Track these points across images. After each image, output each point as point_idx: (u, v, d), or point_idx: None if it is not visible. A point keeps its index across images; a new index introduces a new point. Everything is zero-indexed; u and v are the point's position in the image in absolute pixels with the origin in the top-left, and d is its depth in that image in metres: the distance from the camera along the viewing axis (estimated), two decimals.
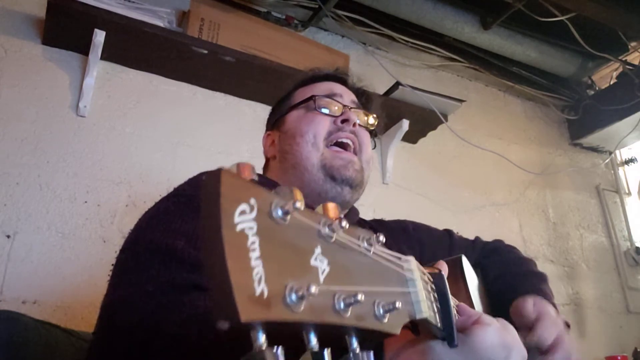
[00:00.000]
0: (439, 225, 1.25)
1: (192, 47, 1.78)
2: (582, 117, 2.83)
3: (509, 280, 1.04)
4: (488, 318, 0.58)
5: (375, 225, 1.12)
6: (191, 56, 1.81)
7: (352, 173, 1.00)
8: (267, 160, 1.14)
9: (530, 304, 0.90)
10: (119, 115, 1.79)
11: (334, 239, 0.38)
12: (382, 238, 0.44)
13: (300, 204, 0.35)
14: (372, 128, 1.11)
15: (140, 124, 1.81)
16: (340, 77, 1.14)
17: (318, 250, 0.36)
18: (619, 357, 2.31)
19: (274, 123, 1.14)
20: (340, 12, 2.23)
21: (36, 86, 1.69)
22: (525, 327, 0.89)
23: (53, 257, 1.53)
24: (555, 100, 2.86)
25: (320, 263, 0.36)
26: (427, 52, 2.50)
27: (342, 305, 0.36)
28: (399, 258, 0.48)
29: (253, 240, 0.31)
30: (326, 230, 0.38)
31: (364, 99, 1.14)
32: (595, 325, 2.47)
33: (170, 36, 1.75)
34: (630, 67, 2.62)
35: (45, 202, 1.58)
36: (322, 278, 0.35)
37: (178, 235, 0.72)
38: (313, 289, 0.32)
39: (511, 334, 0.59)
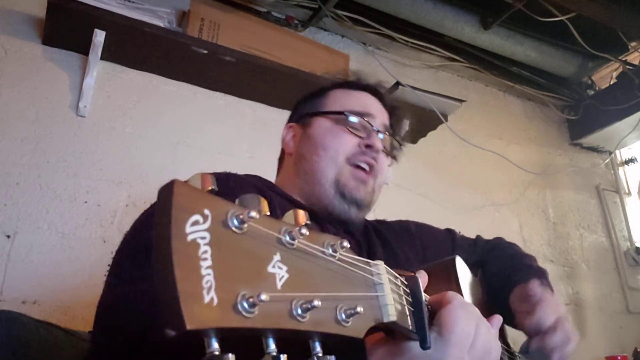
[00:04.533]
0: (439, 225, 1.25)
1: (192, 47, 1.78)
2: (582, 117, 2.83)
3: (508, 274, 1.04)
4: (450, 295, 0.58)
5: (378, 226, 1.12)
6: (191, 56, 1.81)
7: (363, 194, 1.00)
8: (284, 152, 1.12)
9: (534, 285, 0.90)
10: (119, 115, 1.79)
11: (294, 246, 0.38)
12: (345, 243, 0.44)
13: (254, 214, 0.35)
14: (393, 151, 1.10)
15: (140, 124, 1.81)
16: (377, 92, 1.12)
17: (277, 257, 0.36)
18: (619, 357, 2.30)
19: (299, 118, 1.11)
20: (340, 12, 2.23)
21: (36, 86, 1.69)
22: (526, 312, 0.89)
23: (53, 257, 1.53)
24: (555, 100, 2.86)
25: (278, 270, 0.36)
26: (427, 52, 2.50)
27: (299, 310, 0.36)
28: (367, 263, 0.48)
29: (205, 250, 0.31)
30: (286, 237, 0.38)
31: (394, 120, 1.12)
32: (595, 325, 2.47)
33: (170, 36, 1.75)
34: (630, 67, 2.62)
35: (45, 202, 1.58)
36: (279, 285, 0.36)
37: None
38: (264, 296, 0.32)
39: (473, 309, 0.60)
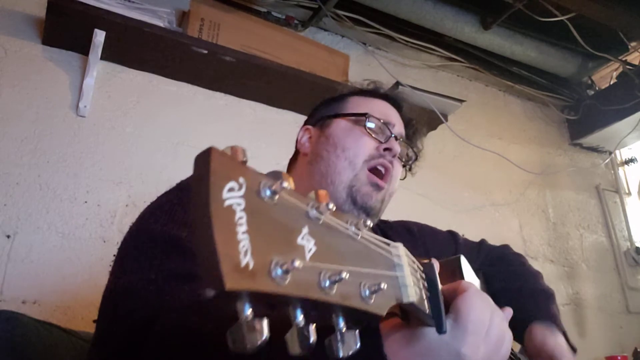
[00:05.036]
0: (440, 225, 1.25)
1: (192, 47, 1.78)
2: (582, 117, 2.83)
3: (517, 296, 1.03)
4: (465, 283, 0.59)
5: (381, 225, 1.13)
6: (191, 56, 1.81)
7: (374, 203, 0.99)
8: (297, 153, 1.12)
9: (547, 337, 0.93)
10: (119, 115, 1.79)
11: (321, 221, 0.39)
12: (369, 222, 0.44)
13: (287, 184, 0.36)
14: (408, 162, 1.11)
15: (140, 124, 1.81)
16: (396, 102, 1.13)
17: (305, 230, 0.37)
18: (619, 357, 2.31)
19: (317, 120, 1.11)
20: (340, 12, 2.23)
21: (36, 86, 1.69)
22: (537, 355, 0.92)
23: (53, 257, 1.53)
24: (555, 100, 2.86)
25: (307, 242, 0.37)
26: (427, 52, 2.50)
27: (327, 282, 0.36)
28: (388, 244, 0.48)
29: (240, 216, 0.32)
30: (314, 212, 0.38)
31: (411, 132, 1.13)
32: (595, 325, 2.47)
33: (170, 36, 1.75)
34: (630, 67, 2.62)
35: (45, 202, 1.58)
36: (308, 256, 0.36)
37: (181, 225, 0.74)
38: (297, 263, 0.33)
39: (487, 298, 0.60)
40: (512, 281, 1.09)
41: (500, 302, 1.02)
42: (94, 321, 0.76)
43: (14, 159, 1.59)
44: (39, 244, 1.53)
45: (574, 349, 0.97)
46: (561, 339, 0.94)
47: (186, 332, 0.59)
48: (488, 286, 1.08)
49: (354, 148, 1.00)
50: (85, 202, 1.64)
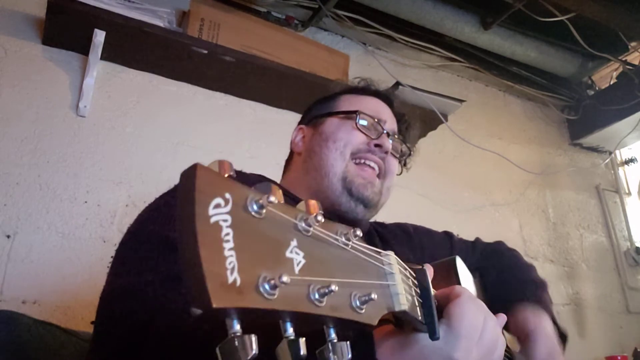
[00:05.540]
0: (440, 225, 1.25)
1: (192, 47, 1.78)
2: (582, 117, 2.83)
3: (508, 285, 1.04)
4: (459, 288, 0.59)
5: (378, 228, 1.13)
6: (191, 56, 1.81)
7: (370, 194, 1.00)
8: (292, 153, 1.13)
9: (528, 315, 0.92)
10: (119, 115, 1.79)
11: (310, 233, 0.39)
12: (359, 232, 0.44)
13: (274, 198, 0.36)
14: (403, 157, 1.13)
15: (140, 124, 1.81)
16: (388, 99, 1.14)
17: (294, 243, 0.37)
18: (619, 357, 2.31)
19: (310, 120, 1.12)
20: (340, 12, 2.23)
21: (36, 86, 1.69)
22: (520, 337, 0.91)
23: (53, 257, 1.53)
24: (555, 100, 2.86)
25: (295, 255, 0.37)
26: (427, 52, 2.50)
27: (316, 295, 0.36)
28: (379, 252, 0.49)
29: (227, 232, 0.32)
30: (302, 224, 0.39)
31: (404, 127, 1.14)
32: (595, 325, 2.47)
33: (170, 36, 1.75)
34: (630, 67, 2.62)
35: (45, 202, 1.58)
36: (297, 269, 0.36)
37: None
38: (285, 278, 0.33)
39: (480, 303, 0.60)
40: (504, 272, 1.10)
41: (491, 294, 1.03)
42: (92, 323, 0.76)
43: (14, 159, 1.59)
44: (39, 244, 1.53)
45: (564, 335, 0.96)
46: (547, 322, 0.93)
47: (184, 333, 0.59)
48: (482, 280, 1.08)
49: (344, 139, 1.02)
50: (85, 202, 1.64)
